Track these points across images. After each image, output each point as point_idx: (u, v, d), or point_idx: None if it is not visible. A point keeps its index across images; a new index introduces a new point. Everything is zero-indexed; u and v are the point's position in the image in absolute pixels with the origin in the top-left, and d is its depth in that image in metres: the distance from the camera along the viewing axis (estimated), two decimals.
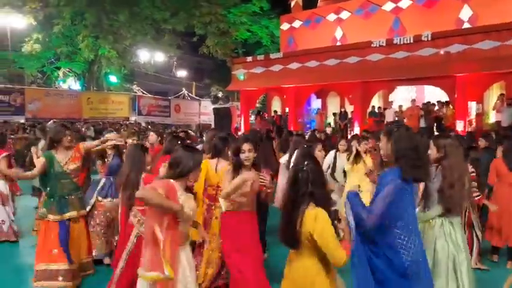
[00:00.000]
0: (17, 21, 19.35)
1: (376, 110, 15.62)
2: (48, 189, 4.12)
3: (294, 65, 16.83)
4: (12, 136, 12.49)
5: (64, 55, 22.15)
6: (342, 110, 16.46)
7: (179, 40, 23.04)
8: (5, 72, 21.94)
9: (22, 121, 17.78)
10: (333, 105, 18.02)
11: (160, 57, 24.69)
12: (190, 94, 29.00)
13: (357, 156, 5.30)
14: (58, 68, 23.72)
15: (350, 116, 16.06)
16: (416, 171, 2.63)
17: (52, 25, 19.78)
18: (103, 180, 4.78)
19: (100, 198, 4.72)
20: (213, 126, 21.34)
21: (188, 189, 2.87)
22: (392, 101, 15.75)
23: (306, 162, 2.45)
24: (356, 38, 15.73)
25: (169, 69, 29.62)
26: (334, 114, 16.82)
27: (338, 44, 17.18)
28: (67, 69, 23.81)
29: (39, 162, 4.10)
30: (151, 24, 21.42)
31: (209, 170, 3.99)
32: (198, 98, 28.85)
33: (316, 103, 18.95)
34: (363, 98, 15.50)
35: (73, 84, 24.77)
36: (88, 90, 23.85)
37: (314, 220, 2.33)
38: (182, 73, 31.17)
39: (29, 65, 21.65)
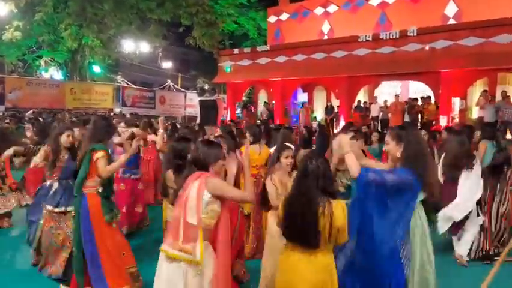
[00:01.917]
0: None
1: (362, 105, 15.71)
2: (103, 189, 3.62)
3: (281, 58, 16.79)
4: None
5: (46, 44, 21.60)
6: (328, 104, 16.50)
7: (165, 30, 22.69)
8: None
9: (2, 110, 17.37)
10: (320, 99, 18.06)
11: (145, 47, 24.29)
12: (175, 86, 28.67)
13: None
14: (40, 57, 23.15)
15: (336, 110, 16.11)
16: (426, 173, 2.80)
17: (34, 12, 19.24)
18: (55, 185, 4.09)
19: (49, 207, 4.01)
20: (198, 118, 21.21)
21: None
22: (376, 96, 15.85)
23: (315, 158, 2.48)
24: (343, 32, 15.76)
25: (155, 60, 29.22)
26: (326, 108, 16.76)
27: (325, 37, 17.19)
28: (49, 58, 23.25)
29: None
30: (136, 14, 21.00)
31: (253, 154, 4.88)
32: (183, 89, 28.57)
33: (302, 97, 18.96)
34: (349, 92, 15.57)
35: (55, 73, 24.23)
36: (71, 80, 23.36)
37: (343, 211, 2.38)
38: (168, 64, 30.79)
39: (9, 53, 21.05)
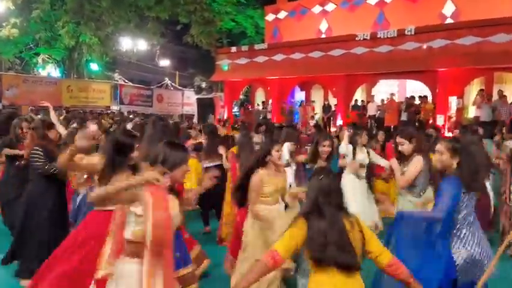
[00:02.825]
0: None
1: (359, 104, 15.75)
2: None
3: (279, 57, 16.79)
4: None
5: (43, 41, 21.51)
6: (326, 102, 16.53)
7: (163, 28, 22.66)
8: None
9: None
10: (317, 97, 18.08)
11: (143, 45, 24.22)
12: (173, 84, 28.61)
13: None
14: (37, 54, 23.05)
15: (333, 108, 16.14)
16: (475, 184, 2.89)
17: (31, 9, 19.17)
18: None
19: None
20: (196, 116, 21.20)
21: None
22: (374, 95, 15.89)
23: (326, 175, 2.34)
24: (340, 31, 15.79)
25: (152, 58, 29.13)
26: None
27: (323, 36, 17.19)
28: (46, 56, 23.15)
29: None
30: (134, 11, 20.95)
31: None
32: (181, 88, 28.50)
33: (300, 95, 18.98)
34: (346, 91, 15.60)
35: (52, 71, 24.13)
36: (68, 77, 23.28)
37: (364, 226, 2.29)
38: (165, 62, 30.71)
39: (6, 50, 20.96)
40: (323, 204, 2.23)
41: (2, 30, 19.28)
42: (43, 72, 23.54)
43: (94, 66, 24.65)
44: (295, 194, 3.57)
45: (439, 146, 3.00)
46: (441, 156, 2.97)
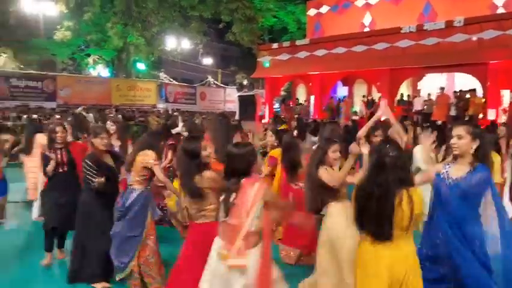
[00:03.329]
0: (49, 9, 19.86)
1: (405, 98, 15.36)
2: None
3: (321, 52, 16.64)
4: (45, 122, 12.96)
5: (94, 42, 22.65)
6: (369, 97, 16.25)
7: (206, 27, 23.16)
8: (38, 59, 22.62)
9: (54, 107, 18.35)
10: (360, 92, 17.79)
11: (186, 44, 24.88)
12: (215, 82, 29.15)
13: None
14: (88, 55, 24.29)
15: (376, 103, 15.84)
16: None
17: (83, 13, 20.22)
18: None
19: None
20: (237, 113, 21.51)
21: None
22: (420, 89, 15.43)
23: (390, 148, 2.42)
24: (385, 24, 15.43)
25: (195, 57, 29.81)
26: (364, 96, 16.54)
27: (366, 30, 16.87)
28: (97, 57, 24.35)
29: None
30: (178, 11, 21.60)
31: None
32: (223, 85, 28.98)
33: (342, 90, 18.75)
34: (391, 85, 15.24)
35: (102, 71, 25.32)
36: (116, 77, 24.35)
37: (420, 198, 2.38)
38: (208, 60, 31.33)
39: (60, 52, 22.27)
40: (382, 179, 2.35)
41: (56, 33, 20.47)
42: (94, 73, 24.77)
43: (141, 66, 25.63)
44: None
45: (459, 130, 2.81)
46: (461, 140, 2.79)
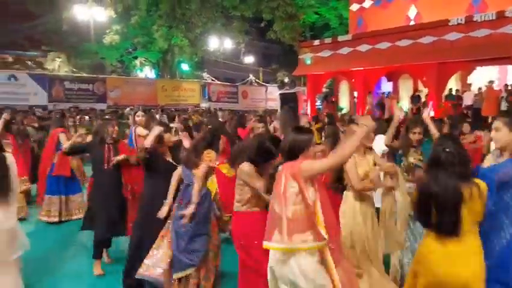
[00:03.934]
0: (99, 14, 20.83)
1: (453, 93, 14.83)
2: None
3: (364, 47, 16.36)
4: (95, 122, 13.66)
5: (141, 45, 23.51)
6: (416, 93, 15.83)
7: (248, 26, 23.40)
8: (89, 62, 23.80)
9: (104, 108, 19.24)
10: (406, 88, 17.34)
11: (228, 44, 25.28)
12: (257, 80, 29.38)
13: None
14: (135, 58, 25.25)
15: (423, 99, 15.40)
16: None
17: (130, 16, 21.04)
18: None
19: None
20: (279, 111, 21.57)
21: None
22: (470, 83, 14.83)
23: (448, 143, 2.43)
24: (431, 17, 14.93)
25: (237, 56, 30.17)
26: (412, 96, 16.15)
27: (412, 23, 16.40)
28: (143, 59, 25.26)
29: None
30: (220, 12, 21.99)
31: None
32: (264, 83, 29.15)
33: (387, 86, 18.35)
34: (438, 80, 14.74)
35: (148, 72, 26.24)
36: (162, 78, 25.15)
37: (485, 191, 2.37)
38: (249, 59, 31.61)
39: (109, 55, 23.30)
40: (445, 175, 2.34)
41: (106, 38, 21.43)
42: (141, 74, 25.72)
43: (185, 67, 26.33)
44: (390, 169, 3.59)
45: (496, 122, 2.73)
46: (498, 132, 2.69)
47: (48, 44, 22.99)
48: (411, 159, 4.12)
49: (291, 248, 2.44)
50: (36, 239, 5.17)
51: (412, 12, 16.67)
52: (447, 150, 2.39)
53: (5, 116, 6.46)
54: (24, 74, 18.84)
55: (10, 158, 3.66)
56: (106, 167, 4.40)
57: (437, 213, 2.35)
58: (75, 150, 4.88)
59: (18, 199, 6.05)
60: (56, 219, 6.32)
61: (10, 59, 23.38)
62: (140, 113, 5.63)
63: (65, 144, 4.83)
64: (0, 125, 6.08)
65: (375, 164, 3.74)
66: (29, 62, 23.77)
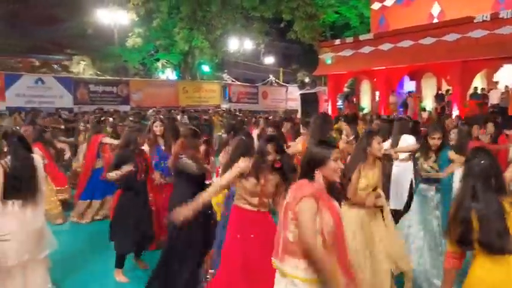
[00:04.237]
0: (122, 18, 21.24)
1: (479, 92, 14.48)
2: None
3: (386, 46, 16.16)
4: (120, 124, 13.90)
5: (162, 47, 23.84)
6: (439, 92, 15.53)
7: (267, 27, 23.43)
8: (113, 65, 24.28)
9: (127, 110, 19.56)
10: (429, 87, 17.04)
11: (248, 45, 25.37)
12: (277, 80, 29.37)
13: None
14: (157, 60, 25.62)
15: (447, 98, 15.10)
16: None
17: (152, 19, 21.37)
18: None
19: None
20: (299, 111, 21.52)
21: None
22: (497, 81, 14.44)
23: (482, 155, 2.34)
24: (455, 14, 14.61)
25: (257, 57, 30.24)
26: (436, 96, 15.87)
27: (435, 21, 16.10)
28: (165, 61, 25.62)
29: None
30: (241, 13, 22.09)
31: None
32: (284, 84, 29.12)
33: (409, 85, 18.07)
34: (463, 78, 14.43)
35: (170, 74, 26.59)
36: (183, 79, 25.43)
37: None
38: (269, 60, 31.63)
39: (132, 58, 23.72)
40: (482, 189, 2.24)
41: (129, 40, 21.83)
42: (163, 76, 26.09)
43: (205, 68, 26.58)
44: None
45: None
46: None
47: (73, 48, 23.58)
48: (425, 166, 4.12)
49: (281, 269, 2.34)
50: (66, 238, 5.36)
51: (435, 9, 16.36)
52: (482, 162, 2.30)
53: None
54: (50, 77, 19.36)
55: (38, 159, 3.79)
56: (139, 178, 4.32)
57: (480, 231, 2.20)
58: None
59: (55, 206, 6.34)
60: (89, 220, 6.49)
61: (37, 63, 24.08)
62: (158, 123, 5.29)
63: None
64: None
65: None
66: (55, 66, 24.43)
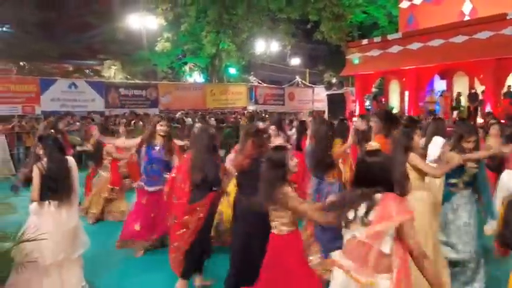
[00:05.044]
0: (151, 23, 21.72)
1: None
2: None
3: (415, 45, 15.86)
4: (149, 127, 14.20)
5: (190, 51, 24.20)
6: (472, 91, 15.09)
7: (294, 28, 23.41)
8: (142, 69, 24.85)
9: (156, 113, 19.95)
10: (461, 86, 16.59)
11: (274, 47, 25.41)
12: (303, 82, 29.25)
13: None
14: (185, 63, 26.04)
15: (480, 97, 14.64)
16: None
17: (180, 24, 21.74)
18: None
19: None
20: (326, 112, 21.37)
21: None
22: None
23: None
24: (487, 11, 14.18)
25: (283, 58, 30.20)
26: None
27: (467, 18, 15.67)
28: (193, 64, 26.01)
29: None
30: (267, 15, 22.17)
31: None
32: (311, 85, 28.97)
33: (440, 85, 17.64)
34: (496, 77, 13.99)
35: (197, 77, 26.95)
36: (210, 82, 25.72)
37: None
38: (296, 61, 31.54)
39: (160, 62, 24.21)
40: None
41: (157, 45, 22.29)
42: (190, 79, 26.46)
43: (232, 70, 26.80)
44: None
45: None
46: None
47: (105, 53, 24.30)
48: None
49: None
50: (99, 237, 5.53)
51: (467, 7, 15.92)
52: None
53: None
54: (83, 81, 19.97)
55: (72, 160, 3.96)
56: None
57: None
58: None
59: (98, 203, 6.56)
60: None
61: (70, 68, 24.94)
62: (164, 122, 5.09)
63: None
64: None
65: None
66: (87, 71, 25.23)
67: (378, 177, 2.32)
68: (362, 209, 2.31)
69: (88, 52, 25.03)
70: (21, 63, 22.10)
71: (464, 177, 3.86)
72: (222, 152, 5.93)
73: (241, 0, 20.95)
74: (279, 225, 3.02)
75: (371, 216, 2.28)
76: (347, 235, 2.43)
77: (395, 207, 2.25)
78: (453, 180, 3.92)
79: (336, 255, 2.49)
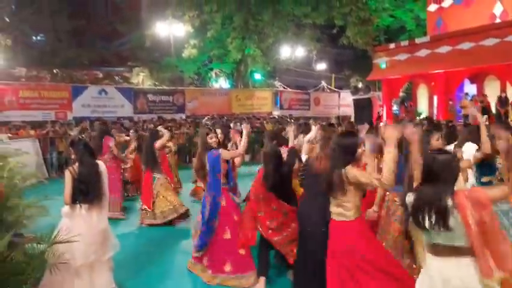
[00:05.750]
0: (178, 30, 22.13)
1: None
2: None
3: (444, 49, 15.51)
4: (176, 132, 14.47)
5: (216, 57, 24.48)
6: (503, 95, 14.64)
7: (319, 33, 23.34)
8: (169, 75, 25.31)
9: (183, 118, 20.27)
10: (492, 90, 16.10)
11: (300, 52, 25.39)
12: (329, 86, 29.07)
13: None
14: (211, 69, 26.36)
15: (511, 101, 14.19)
16: None
17: (206, 30, 22.05)
18: None
19: None
20: (352, 117, 21.14)
21: None
22: None
23: None
24: None
25: (309, 63, 30.10)
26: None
27: (498, 21, 15.23)
28: (218, 70, 26.29)
29: None
30: (292, 21, 22.20)
31: None
32: (336, 89, 28.75)
33: (470, 89, 17.18)
34: None
35: (223, 83, 27.21)
36: (236, 88, 25.92)
37: None
38: (321, 66, 31.38)
39: (187, 68, 24.59)
40: None
41: (184, 51, 22.67)
42: (216, 85, 26.74)
43: (257, 76, 26.91)
44: None
45: None
46: None
47: (133, 60, 24.88)
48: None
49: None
50: (129, 240, 5.68)
51: (498, 9, 15.47)
52: None
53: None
54: (112, 88, 20.52)
55: (102, 165, 4.10)
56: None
57: None
58: None
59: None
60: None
61: (101, 75, 25.65)
62: (212, 134, 4.99)
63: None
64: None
65: None
66: (117, 77, 25.89)
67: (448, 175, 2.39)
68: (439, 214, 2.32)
69: (117, 59, 25.71)
70: (54, 71, 22.87)
71: (497, 175, 3.79)
72: (247, 157, 5.97)
73: (267, 6, 21.03)
74: (345, 210, 3.09)
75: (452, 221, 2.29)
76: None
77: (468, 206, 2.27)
78: (485, 179, 3.84)
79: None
